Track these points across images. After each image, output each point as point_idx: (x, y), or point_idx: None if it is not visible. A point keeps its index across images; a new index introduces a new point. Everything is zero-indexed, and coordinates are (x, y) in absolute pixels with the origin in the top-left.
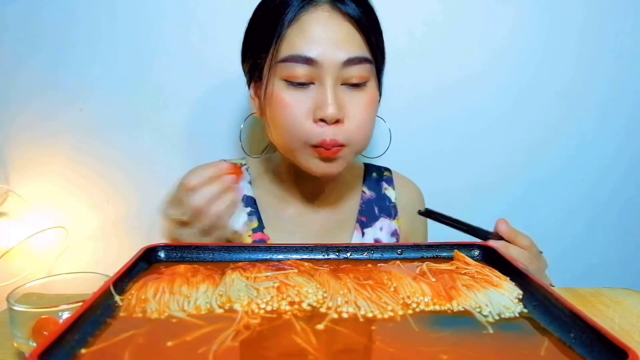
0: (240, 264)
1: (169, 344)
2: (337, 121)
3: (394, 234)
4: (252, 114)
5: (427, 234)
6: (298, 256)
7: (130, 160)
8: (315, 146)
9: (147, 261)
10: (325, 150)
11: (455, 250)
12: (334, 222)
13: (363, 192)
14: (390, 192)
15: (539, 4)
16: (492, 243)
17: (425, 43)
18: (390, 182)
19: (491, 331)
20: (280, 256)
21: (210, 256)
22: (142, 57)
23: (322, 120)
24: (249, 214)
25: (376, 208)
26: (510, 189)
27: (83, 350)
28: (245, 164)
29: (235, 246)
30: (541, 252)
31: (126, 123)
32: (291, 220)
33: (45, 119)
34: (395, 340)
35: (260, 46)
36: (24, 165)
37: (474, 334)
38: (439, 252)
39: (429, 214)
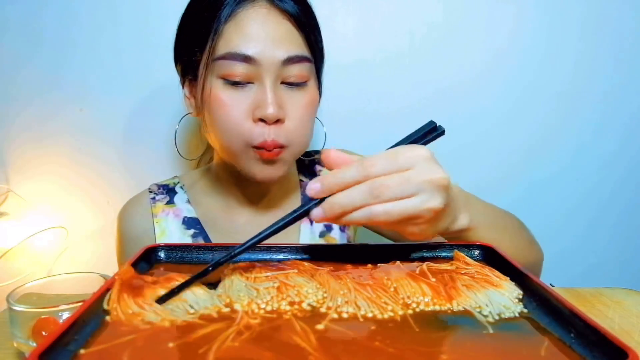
0: (240, 264)
1: (169, 344)
2: (277, 121)
3: None
4: (187, 114)
5: None
6: (298, 256)
7: (130, 161)
8: (256, 147)
9: (147, 261)
10: (267, 151)
11: (455, 250)
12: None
13: (301, 180)
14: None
15: (539, 4)
16: (314, 215)
17: (425, 44)
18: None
19: (491, 331)
20: (280, 256)
21: (210, 256)
22: (143, 58)
23: (261, 120)
24: (194, 236)
25: None
26: (510, 189)
27: (83, 351)
28: (178, 183)
29: (235, 246)
30: (434, 126)
31: (126, 123)
32: (241, 230)
33: (45, 119)
34: (395, 340)
35: (195, 43)
36: (24, 165)
37: (474, 334)
38: (439, 252)
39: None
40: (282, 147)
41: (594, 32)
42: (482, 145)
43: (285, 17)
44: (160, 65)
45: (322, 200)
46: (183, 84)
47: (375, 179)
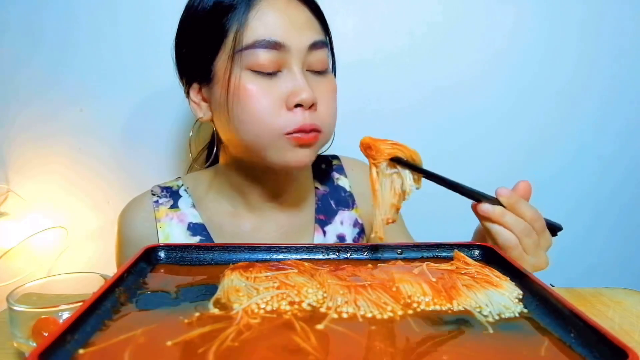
0: (240, 264)
1: (169, 343)
2: (311, 106)
3: (356, 224)
4: (198, 119)
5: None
6: (298, 256)
7: (130, 160)
8: (291, 133)
9: (147, 261)
10: (305, 133)
11: (455, 250)
12: (293, 227)
13: (316, 188)
14: (343, 181)
15: (539, 4)
16: (484, 207)
17: (425, 43)
18: (340, 170)
19: (491, 331)
20: (280, 256)
21: (210, 256)
22: (143, 58)
23: (297, 106)
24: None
25: (332, 202)
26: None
27: (83, 351)
28: (181, 185)
29: (235, 246)
30: (560, 229)
31: (126, 123)
32: (248, 237)
33: (45, 119)
34: (395, 340)
35: (209, 42)
36: (24, 165)
37: (474, 334)
38: (439, 252)
39: (428, 175)
40: (318, 130)
41: (594, 32)
42: (482, 145)
43: (302, 3)
44: (161, 65)
45: (496, 201)
46: (188, 91)
47: (533, 229)
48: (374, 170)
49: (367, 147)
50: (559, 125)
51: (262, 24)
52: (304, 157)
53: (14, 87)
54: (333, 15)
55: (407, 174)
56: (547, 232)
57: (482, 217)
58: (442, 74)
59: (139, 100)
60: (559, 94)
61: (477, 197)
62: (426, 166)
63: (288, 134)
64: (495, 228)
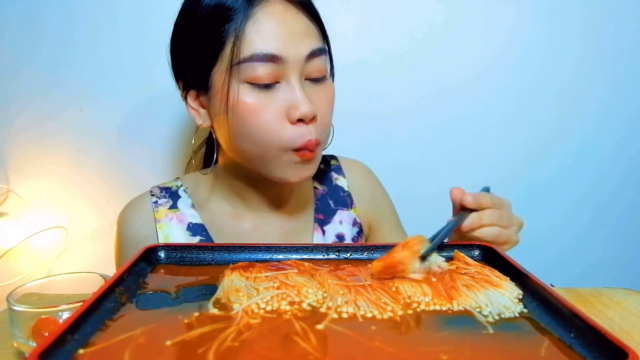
0: (240, 264)
1: (169, 343)
2: (312, 118)
3: (355, 223)
4: (198, 126)
5: (393, 207)
6: (298, 256)
7: (130, 160)
8: (297, 149)
9: (147, 261)
10: (310, 152)
11: (455, 250)
12: (293, 227)
13: (315, 188)
14: (341, 181)
15: (539, 4)
16: (466, 224)
17: (425, 44)
18: (339, 170)
19: (491, 331)
20: (280, 256)
21: (210, 256)
22: (143, 58)
23: (299, 120)
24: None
25: (331, 202)
26: (511, 189)
27: (83, 351)
28: (181, 186)
29: (235, 246)
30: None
31: (126, 123)
32: (248, 237)
33: (45, 119)
34: (395, 340)
35: (205, 52)
36: (24, 165)
37: (474, 334)
38: (439, 252)
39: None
40: (319, 144)
41: (594, 32)
42: (482, 146)
43: (300, 10)
44: (160, 65)
45: (464, 215)
46: (186, 96)
47: (499, 210)
48: (415, 276)
49: (387, 269)
50: (559, 125)
51: (259, 35)
52: (307, 172)
53: (14, 87)
54: (333, 16)
55: (434, 257)
56: (505, 200)
57: (467, 233)
58: (442, 74)
59: (138, 100)
60: (559, 94)
61: (455, 225)
62: (425, 166)
63: (295, 149)
64: (479, 232)
